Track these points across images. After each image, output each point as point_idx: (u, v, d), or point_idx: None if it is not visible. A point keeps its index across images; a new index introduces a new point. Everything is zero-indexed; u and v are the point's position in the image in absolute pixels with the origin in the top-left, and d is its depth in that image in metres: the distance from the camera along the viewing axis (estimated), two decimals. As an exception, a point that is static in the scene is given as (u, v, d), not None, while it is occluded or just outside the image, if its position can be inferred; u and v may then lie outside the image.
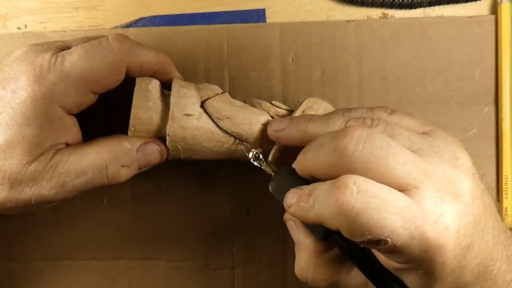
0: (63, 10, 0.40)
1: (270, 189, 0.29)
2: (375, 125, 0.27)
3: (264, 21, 0.39)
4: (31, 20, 0.40)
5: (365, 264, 0.26)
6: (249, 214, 0.39)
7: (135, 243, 0.39)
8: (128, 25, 0.39)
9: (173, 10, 0.39)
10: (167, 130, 0.30)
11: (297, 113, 0.32)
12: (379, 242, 0.23)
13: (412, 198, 0.23)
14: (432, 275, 0.24)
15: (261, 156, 0.31)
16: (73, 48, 0.29)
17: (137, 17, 0.39)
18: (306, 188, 0.26)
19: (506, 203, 0.37)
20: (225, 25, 0.38)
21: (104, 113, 0.34)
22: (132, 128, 0.30)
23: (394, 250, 0.23)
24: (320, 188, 0.25)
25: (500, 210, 0.37)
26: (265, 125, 0.32)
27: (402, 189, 0.23)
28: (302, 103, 0.33)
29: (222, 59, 0.38)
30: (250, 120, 0.31)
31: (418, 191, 0.23)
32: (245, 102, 0.33)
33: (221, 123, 0.31)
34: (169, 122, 0.30)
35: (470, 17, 0.38)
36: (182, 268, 0.39)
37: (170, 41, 0.38)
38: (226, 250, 0.39)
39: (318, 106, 0.33)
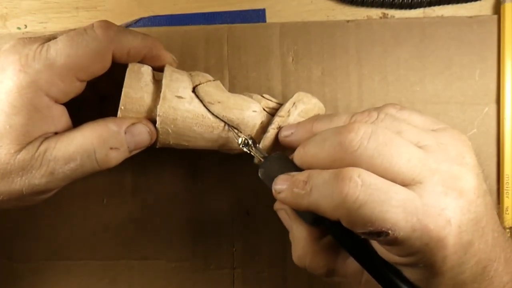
0: (63, 10, 0.40)
1: (259, 175, 0.29)
2: (380, 119, 0.27)
3: (264, 21, 0.39)
4: (31, 20, 0.40)
5: (356, 248, 0.26)
6: (249, 214, 0.39)
7: (135, 243, 0.39)
8: (128, 25, 0.39)
9: (173, 10, 0.39)
10: (157, 111, 0.30)
11: (287, 105, 0.32)
12: (380, 234, 0.23)
13: (415, 192, 0.23)
14: (432, 269, 0.24)
15: (250, 142, 0.31)
16: (59, 37, 0.29)
17: (137, 17, 0.39)
18: (299, 175, 0.26)
19: (507, 202, 0.37)
20: (225, 25, 0.39)
21: (97, 107, 0.34)
22: (122, 107, 0.30)
23: (395, 242, 0.23)
24: (319, 177, 0.25)
25: (501, 209, 0.37)
26: (256, 113, 0.31)
27: (406, 184, 0.24)
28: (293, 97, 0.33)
29: (222, 59, 0.38)
30: (242, 106, 0.31)
31: (421, 186, 0.24)
32: None
33: (212, 108, 0.31)
34: (161, 101, 0.30)
35: (470, 17, 0.38)
36: (182, 268, 0.39)
37: (170, 41, 0.38)
38: (226, 250, 0.39)
39: (308, 100, 0.33)
